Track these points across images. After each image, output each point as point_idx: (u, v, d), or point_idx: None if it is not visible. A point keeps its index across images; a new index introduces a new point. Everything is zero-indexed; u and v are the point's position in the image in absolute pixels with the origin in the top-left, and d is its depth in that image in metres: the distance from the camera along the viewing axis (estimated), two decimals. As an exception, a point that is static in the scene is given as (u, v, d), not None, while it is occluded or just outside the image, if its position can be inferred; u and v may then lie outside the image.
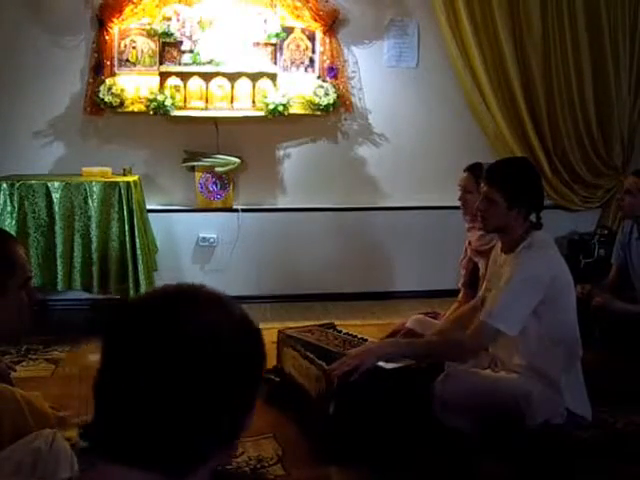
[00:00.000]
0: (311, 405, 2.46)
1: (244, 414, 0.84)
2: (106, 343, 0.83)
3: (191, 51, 4.01)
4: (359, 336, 2.81)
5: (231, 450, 0.86)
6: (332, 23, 4.20)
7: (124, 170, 3.89)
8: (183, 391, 0.77)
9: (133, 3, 3.97)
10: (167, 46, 4.06)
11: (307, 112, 4.24)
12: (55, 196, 3.50)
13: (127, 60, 4.10)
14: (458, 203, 3.37)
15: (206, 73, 4.02)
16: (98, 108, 4.08)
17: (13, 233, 3.38)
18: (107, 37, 4.04)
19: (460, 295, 3.50)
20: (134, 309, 0.85)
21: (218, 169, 4.18)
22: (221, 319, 0.83)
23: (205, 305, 0.84)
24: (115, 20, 4.00)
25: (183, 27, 3.98)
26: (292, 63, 4.22)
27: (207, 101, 4.06)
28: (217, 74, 4.03)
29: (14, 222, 3.46)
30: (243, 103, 4.09)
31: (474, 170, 3.19)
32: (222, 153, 4.22)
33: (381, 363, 2.35)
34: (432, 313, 3.35)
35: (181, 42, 4.02)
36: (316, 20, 4.15)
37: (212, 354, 0.80)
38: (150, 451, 0.78)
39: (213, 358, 0.79)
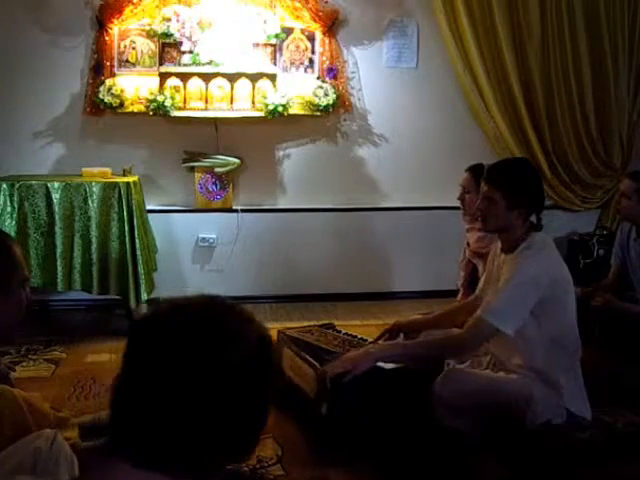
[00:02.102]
0: (307, 406, 2.46)
1: (256, 428, 0.87)
2: (130, 349, 0.85)
3: (191, 52, 4.02)
4: (359, 336, 2.82)
5: (244, 461, 0.88)
6: (332, 24, 4.20)
7: (124, 170, 3.90)
8: (200, 400, 0.80)
9: (133, 4, 3.97)
10: (167, 47, 4.06)
11: (307, 113, 4.25)
12: (55, 196, 3.50)
13: (127, 61, 4.10)
14: (458, 203, 3.38)
15: (206, 74, 4.03)
16: (98, 109, 4.08)
17: (13, 233, 3.38)
18: (107, 38, 4.04)
19: (459, 295, 3.51)
20: (159, 316, 0.87)
21: (218, 169, 4.18)
22: (245, 333, 0.86)
23: (230, 318, 0.87)
24: (115, 21, 4.00)
25: (183, 28, 3.99)
26: (292, 64, 4.23)
27: (207, 102, 4.07)
28: (217, 75, 4.03)
29: (14, 222, 3.46)
30: (243, 104, 4.09)
31: (475, 170, 3.20)
32: (222, 153, 4.22)
33: (380, 364, 2.35)
34: (431, 313, 3.35)
35: (181, 43, 4.02)
36: (316, 21, 4.15)
37: (231, 367, 0.82)
38: (166, 456, 0.80)
39: (231, 371, 0.82)
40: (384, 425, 2.28)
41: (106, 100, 4.00)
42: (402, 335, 2.72)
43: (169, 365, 0.81)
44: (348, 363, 2.25)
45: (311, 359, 2.48)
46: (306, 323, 3.24)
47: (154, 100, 3.96)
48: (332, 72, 4.25)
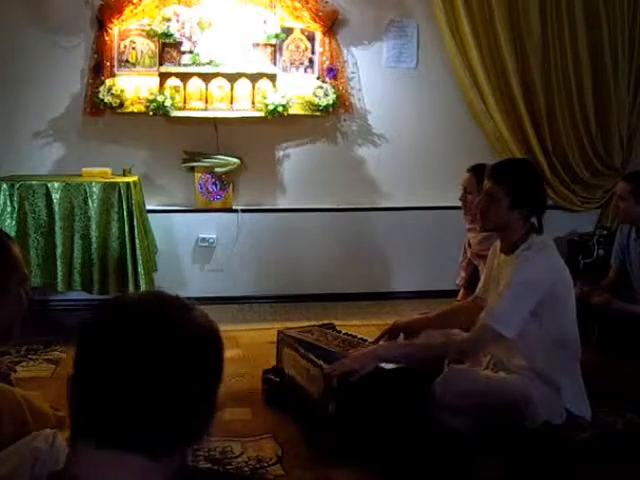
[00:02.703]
0: (311, 406, 2.46)
1: (208, 408, 0.92)
2: (82, 341, 0.91)
3: (191, 52, 4.02)
4: (359, 336, 2.82)
5: (200, 441, 0.93)
6: (331, 24, 4.20)
7: (124, 170, 3.90)
8: (151, 382, 0.86)
9: (133, 4, 3.97)
10: (167, 47, 4.06)
11: (306, 113, 4.25)
12: (55, 196, 3.50)
13: (127, 61, 4.10)
14: (458, 203, 3.39)
15: (206, 74, 4.03)
16: (98, 109, 4.08)
17: (13, 233, 3.38)
18: (107, 38, 4.04)
19: (459, 295, 3.51)
20: (110, 310, 0.94)
21: (218, 170, 4.18)
22: (186, 318, 0.92)
23: (173, 307, 0.93)
24: (115, 21, 4.00)
25: (183, 28, 3.99)
26: (292, 64, 4.23)
27: (207, 102, 4.07)
28: (217, 75, 4.03)
29: (14, 222, 3.46)
30: (243, 104, 4.09)
31: (476, 171, 3.20)
32: (222, 154, 4.22)
33: (381, 363, 2.35)
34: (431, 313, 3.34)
35: (181, 43, 4.02)
36: (315, 21, 4.15)
37: (178, 350, 0.88)
38: (127, 436, 0.85)
39: (178, 354, 0.88)
40: (384, 425, 2.28)
41: (106, 100, 4.00)
42: (402, 335, 2.72)
43: (121, 357, 0.86)
44: (354, 362, 2.25)
45: (316, 359, 2.48)
46: (306, 323, 3.24)
47: (154, 100, 3.96)
48: (332, 72, 4.25)
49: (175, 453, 0.89)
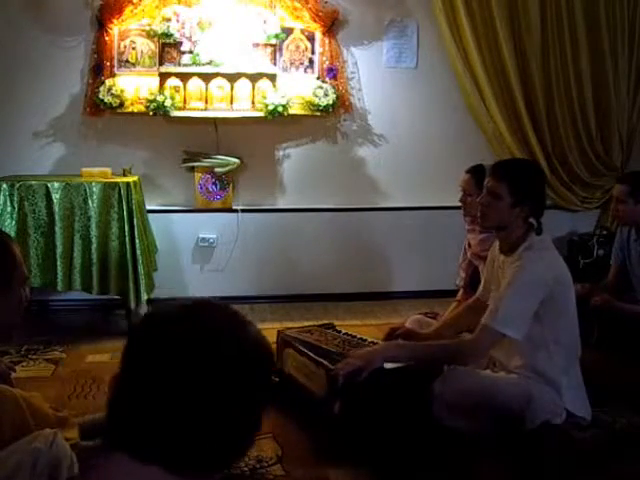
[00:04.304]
0: (314, 405, 2.46)
1: (249, 428, 0.88)
2: (128, 349, 0.87)
3: (191, 52, 4.02)
4: (358, 336, 2.82)
5: (232, 464, 0.90)
6: (331, 24, 4.20)
7: (124, 170, 3.90)
8: (193, 398, 0.82)
9: (133, 4, 3.97)
10: (167, 47, 4.06)
11: (306, 113, 4.25)
12: (55, 196, 3.50)
13: (127, 61, 4.10)
14: (458, 203, 3.38)
15: (206, 74, 4.03)
16: (98, 109, 4.08)
17: (13, 233, 3.38)
18: (107, 38, 4.04)
19: (459, 295, 3.50)
20: (157, 318, 0.90)
21: (218, 170, 4.19)
22: (241, 336, 0.88)
23: (222, 322, 0.89)
24: (115, 21, 4.00)
25: (183, 28, 3.99)
26: (291, 64, 4.23)
27: (207, 102, 4.07)
28: (217, 75, 4.04)
29: (14, 222, 3.46)
30: (243, 104, 4.10)
31: (475, 172, 3.19)
32: (222, 154, 4.22)
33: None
34: (431, 313, 3.35)
35: (181, 43, 4.02)
36: (315, 21, 4.15)
37: (226, 369, 0.84)
38: (163, 451, 0.82)
39: (227, 373, 0.84)
40: (385, 425, 2.28)
41: (106, 100, 4.00)
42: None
43: (168, 366, 0.83)
44: (359, 361, 2.25)
45: (320, 358, 2.47)
46: (306, 323, 3.24)
47: (154, 100, 3.96)
48: (332, 72, 4.25)
49: (206, 474, 0.86)
